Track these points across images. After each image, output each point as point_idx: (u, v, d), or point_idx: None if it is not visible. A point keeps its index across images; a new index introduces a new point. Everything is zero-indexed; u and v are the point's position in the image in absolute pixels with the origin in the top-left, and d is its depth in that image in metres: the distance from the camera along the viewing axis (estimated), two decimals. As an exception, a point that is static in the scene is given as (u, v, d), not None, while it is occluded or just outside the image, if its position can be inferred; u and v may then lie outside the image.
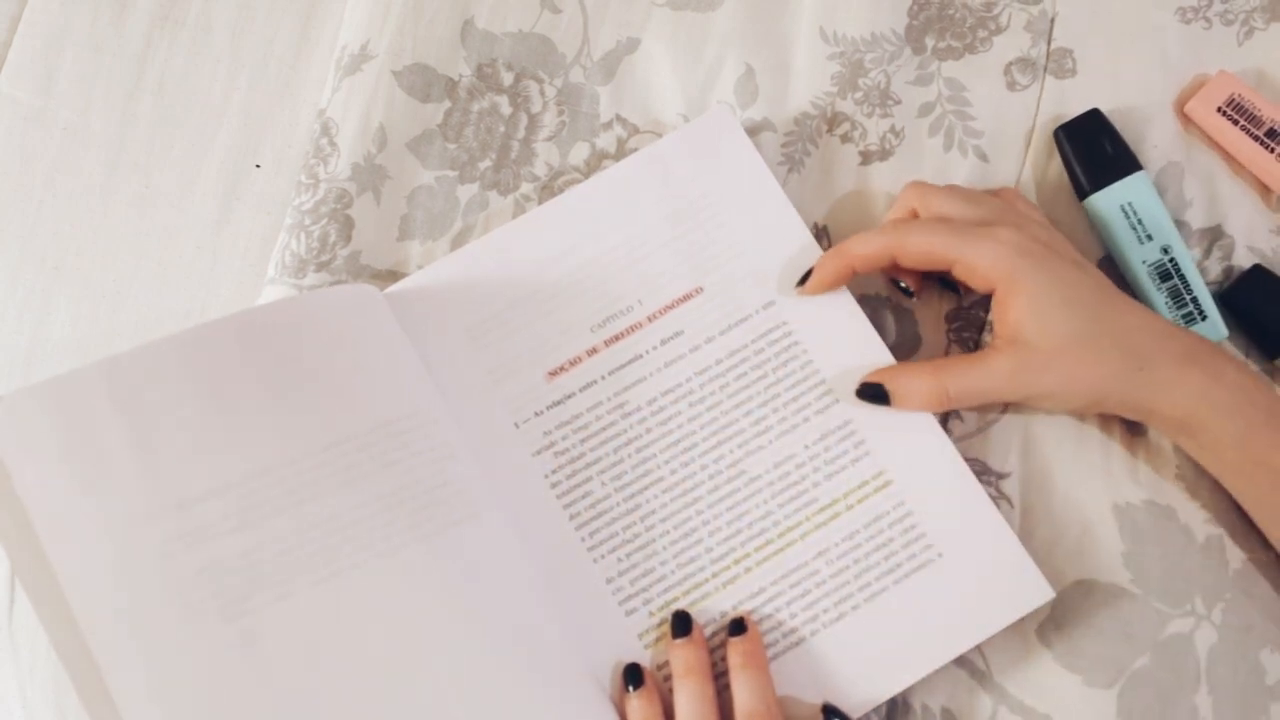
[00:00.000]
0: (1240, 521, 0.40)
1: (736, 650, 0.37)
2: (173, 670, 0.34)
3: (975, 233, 0.37)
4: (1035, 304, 0.36)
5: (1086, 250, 0.43)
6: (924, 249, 0.37)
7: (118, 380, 0.35)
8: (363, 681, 0.35)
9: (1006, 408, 0.42)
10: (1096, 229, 0.43)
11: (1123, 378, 0.36)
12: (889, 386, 0.38)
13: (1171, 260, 0.41)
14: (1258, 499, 0.37)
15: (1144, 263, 0.41)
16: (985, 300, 0.43)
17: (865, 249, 0.39)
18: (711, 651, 0.38)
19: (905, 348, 0.43)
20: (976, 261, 0.37)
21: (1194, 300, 0.41)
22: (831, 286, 0.40)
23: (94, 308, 0.46)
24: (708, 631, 0.38)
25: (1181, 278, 0.41)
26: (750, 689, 0.36)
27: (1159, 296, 0.41)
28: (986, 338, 0.42)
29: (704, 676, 0.36)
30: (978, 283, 0.38)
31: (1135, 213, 0.41)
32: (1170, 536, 0.40)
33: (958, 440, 0.41)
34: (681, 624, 0.38)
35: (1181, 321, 0.41)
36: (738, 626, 0.37)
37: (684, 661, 0.37)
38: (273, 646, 0.34)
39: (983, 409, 0.41)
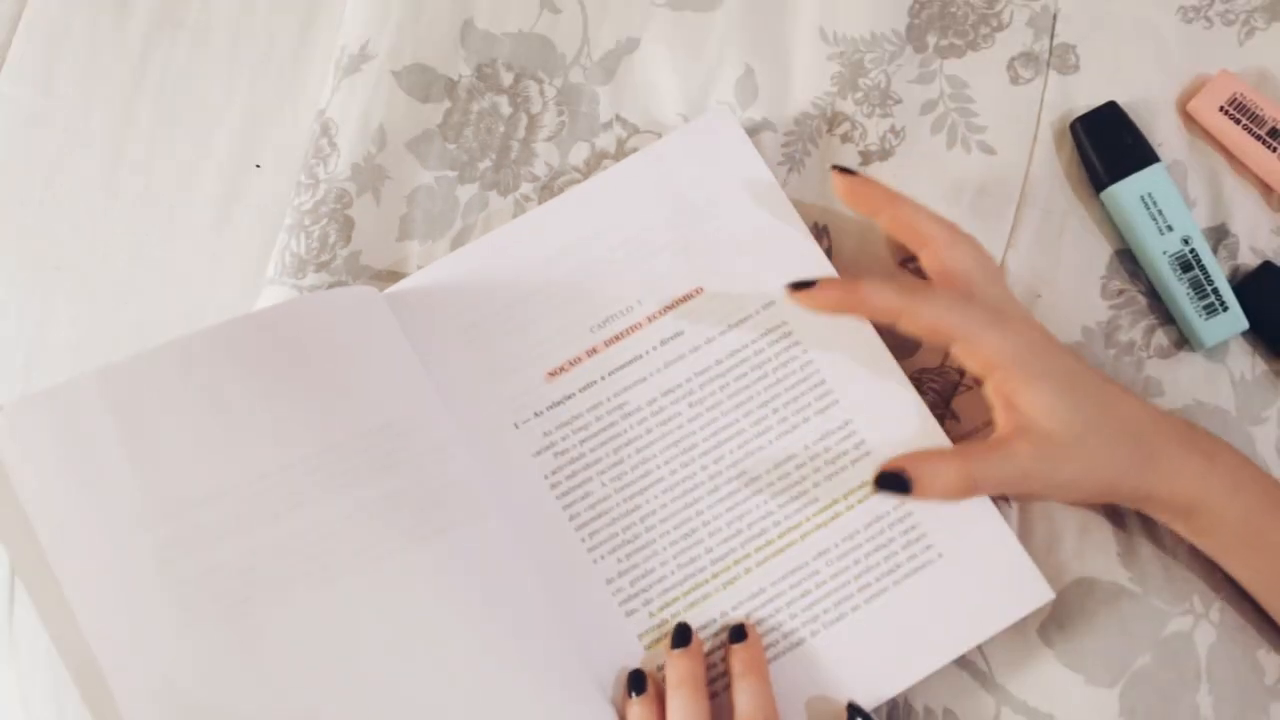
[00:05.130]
0: None
1: (737, 657, 0.37)
2: (174, 672, 0.34)
3: (986, 315, 0.36)
4: (1048, 394, 0.35)
5: (1103, 243, 0.43)
6: (933, 323, 0.36)
7: (114, 388, 0.36)
8: (362, 684, 0.35)
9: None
10: (1114, 221, 0.43)
11: (1134, 467, 0.35)
12: (912, 474, 0.35)
13: (1192, 251, 0.41)
14: (1260, 577, 0.37)
15: (1165, 254, 0.41)
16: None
17: (877, 301, 0.36)
18: (711, 653, 0.38)
19: (905, 349, 0.42)
20: (983, 346, 0.36)
21: (1215, 291, 0.41)
22: (827, 311, 0.38)
23: (93, 308, 0.45)
24: (707, 633, 0.38)
25: (1203, 269, 0.41)
26: (750, 696, 0.36)
27: (1180, 288, 0.41)
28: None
29: (696, 688, 0.36)
30: (975, 365, 0.37)
31: (1155, 203, 0.41)
32: (1161, 535, 0.40)
33: (957, 441, 0.41)
34: (681, 635, 0.37)
35: (1204, 313, 0.41)
36: (738, 633, 0.37)
37: (678, 672, 0.37)
38: (272, 649, 0.34)
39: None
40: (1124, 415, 0.36)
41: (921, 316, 0.36)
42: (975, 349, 0.36)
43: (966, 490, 0.35)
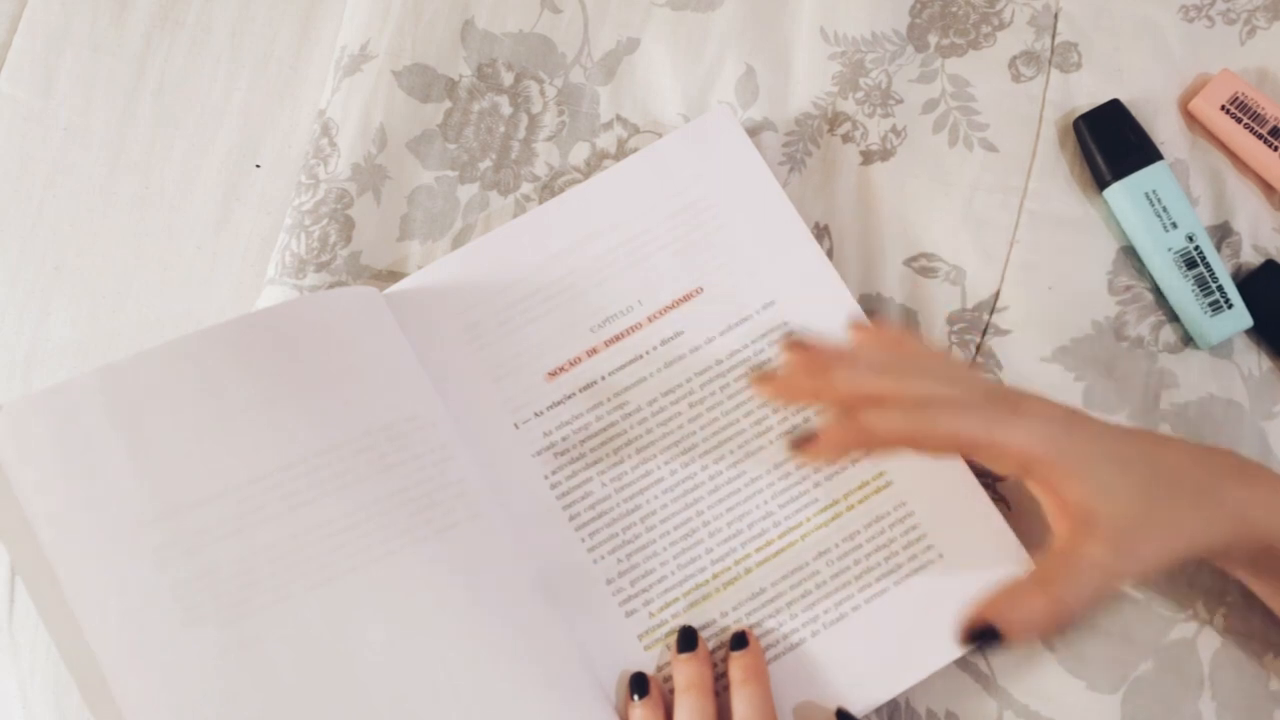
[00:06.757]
0: None
1: (738, 665, 0.37)
2: (174, 673, 0.34)
3: (999, 410, 0.33)
4: (1096, 476, 0.32)
5: (1109, 240, 0.43)
6: (951, 436, 0.33)
7: (114, 388, 0.36)
8: (361, 685, 0.35)
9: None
10: (1118, 218, 0.43)
11: (1206, 520, 0.32)
12: (1001, 623, 0.31)
13: (1197, 248, 0.41)
14: None
15: (1169, 250, 0.41)
16: (988, 303, 0.43)
17: (884, 429, 0.33)
18: (710, 654, 0.38)
19: (906, 348, 0.42)
20: (1010, 445, 0.32)
21: (1220, 289, 0.41)
22: (836, 459, 0.37)
23: (94, 308, 0.46)
24: (707, 633, 0.38)
25: (1207, 265, 0.41)
26: (750, 704, 0.36)
27: (1186, 284, 0.41)
28: (990, 341, 0.42)
29: (705, 693, 0.36)
30: (1008, 465, 0.33)
31: (1160, 200, 0.41)
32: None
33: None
34: (687, 639, 0.38)
35: (1209, 310, 0.41)
36: (739, 640, 0.37)
37: (687, 677, 0.37)
38: (271, 650, 0.34)
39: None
40: (1174, 466, 0.33)
41: (937, 432, 0.33)
42: (1002, 450, 0.33)
43: (1061, 621, 0.32)
